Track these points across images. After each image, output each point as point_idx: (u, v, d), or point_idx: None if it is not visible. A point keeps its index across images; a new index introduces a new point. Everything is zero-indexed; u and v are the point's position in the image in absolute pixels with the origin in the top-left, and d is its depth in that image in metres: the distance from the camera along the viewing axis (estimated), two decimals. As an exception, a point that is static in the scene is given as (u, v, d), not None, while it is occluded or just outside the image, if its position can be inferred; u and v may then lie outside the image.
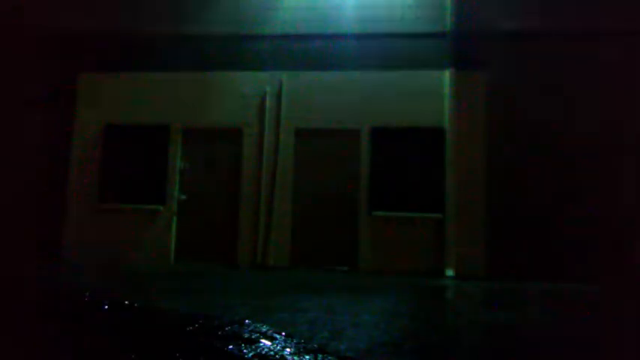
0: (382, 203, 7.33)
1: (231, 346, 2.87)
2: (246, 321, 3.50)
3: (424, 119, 7.38)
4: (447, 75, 7.38)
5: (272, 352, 2.79)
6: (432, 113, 7.37)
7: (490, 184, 7.09)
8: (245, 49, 7.83)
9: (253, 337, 3.09)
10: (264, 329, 3.29)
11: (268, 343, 2.98)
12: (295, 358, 2.71)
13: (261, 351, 2.81)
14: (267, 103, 7.71)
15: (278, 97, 7.70)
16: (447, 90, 7.36)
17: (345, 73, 7.58)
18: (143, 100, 7.93)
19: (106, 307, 4.00)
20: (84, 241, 7.65)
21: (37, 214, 7.78)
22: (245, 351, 2.80)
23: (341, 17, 7.66)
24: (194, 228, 7.67)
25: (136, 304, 4.09)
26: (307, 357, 2.72)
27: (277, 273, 6.93)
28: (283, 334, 3.19)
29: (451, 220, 7.11)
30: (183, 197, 7.76)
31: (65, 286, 5.56)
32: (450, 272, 6.96)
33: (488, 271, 6.88)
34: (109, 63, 8.05)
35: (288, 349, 2.85)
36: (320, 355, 2.74)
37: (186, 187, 7.80)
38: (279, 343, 2.99)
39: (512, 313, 4.43)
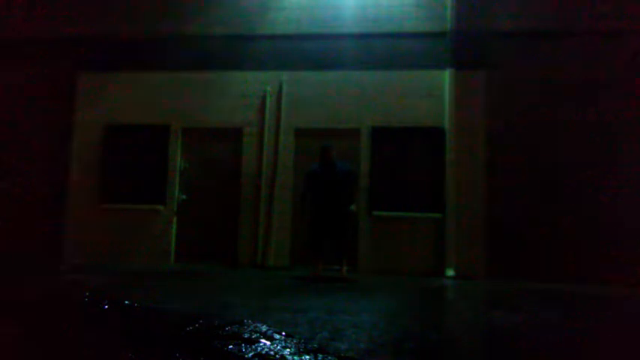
0: (382, 203, 7.33)
1: (231, 346, 2.87)
2: (246, 321, 3.50)
3: (424, 119, 7.38)
4: (447, 75, 7.38)
5: (272, 352, 2.79)
6: (432, 113, 7.36)
7: (490, 184, 7.09)
8: (245, 49, 7.83)
9: (253, 337, 3.09)
10: (264, 329, 3.29)
11: (268, 343, 2.98)
12: (295, 358, 2.71)
13: (261, 351, 2.81)
14: (267, 103, 7.71)
15: (278, 97, 7.70)
16: (447, 90, 7.36)
17: (345, 73, 7.57)
18: (143, 100, 7.92)
19: (106, 307, 4.00)
20: (84, 241, 7.65)
21: (37, 214, 7.79)
22: (245, 351, 2.80)
23: (341, 17, 7.65)
24: (194, 228, 7.67)
25: (136, 304, 4.09)
26: (307, 357, 2.72)
27: (277, 273, 6.92)
28: (283, 334, 3.19)
29: (451, 220, 7.11)
30: (184, 197, 7.76)
31: (65, 286, 5.56)
32: (450, 272, 6.96)
33: (488, 271, 6.88)
34: (109, 63, 8.04)
35: (288, 349, 2.85)
36: (320, 355, 2.74)
37: (186, 187, 7.80)
38: (279, 343, 2.99)
39: (512, 313, 4.42)
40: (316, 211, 6.31)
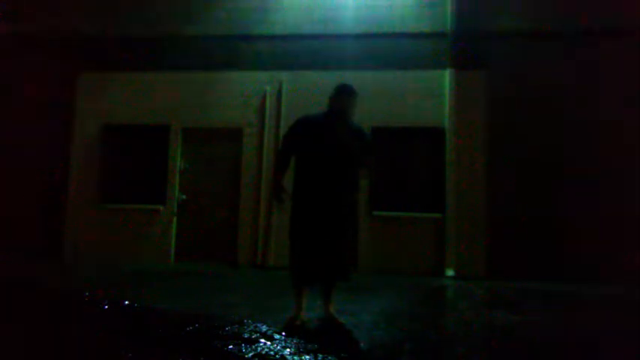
0: (382, 203, 7.32)
1: (231, 346, 2.87)
2: (246, 321, 3.50)
3: (424, 119, 7.37)
4: (447, 75, 7.38)
5: (272, 352, 2.79)
6: (432, 113, 7.36)
7: (490, 184, 7.09)
8: (245, 49, 7.82)
9: (253, 337, 3.09)
10: (264, 329, 3.29)
11: (268, 343, 2.98)
12: (295, 358, 2.71)
13: (261, 351, 2.81)
14: (267, 103, 7.71)
15: (278, 97, 7.70)
16: (447, 90, 7.36)
17: (345, 73, 7.55)
18: (143, 100, 7.91)
19: (106, 307, 4.00)
20: (84, 241, 7.65)
21: (37, 214, 7.78)
22: (245, 351, 2.80)
23: (341, 17, 7.65)
24: (194, 228, 7.66)
25: (136, 304, 4.09)
26: (307, 357, 2.72)
27: (277, 273, 6.92)
28: (283, 334, 3.19)
29: (451, 220, 7.11)
30: (184, 197, 7.76)
31: (65, 286, 5.56)
32: (450, 272, 6.95)
33: (488, 271, 6.87)
34: (109, 63, 8.04)
35: (288, 349, 2.86)
36: (320, 355, 2.74)
37: (186, 187, 7.79)
38: (279, 343, 2.99)
39: (511, 313, 4.43)
40: (306, 201, 3.72)
